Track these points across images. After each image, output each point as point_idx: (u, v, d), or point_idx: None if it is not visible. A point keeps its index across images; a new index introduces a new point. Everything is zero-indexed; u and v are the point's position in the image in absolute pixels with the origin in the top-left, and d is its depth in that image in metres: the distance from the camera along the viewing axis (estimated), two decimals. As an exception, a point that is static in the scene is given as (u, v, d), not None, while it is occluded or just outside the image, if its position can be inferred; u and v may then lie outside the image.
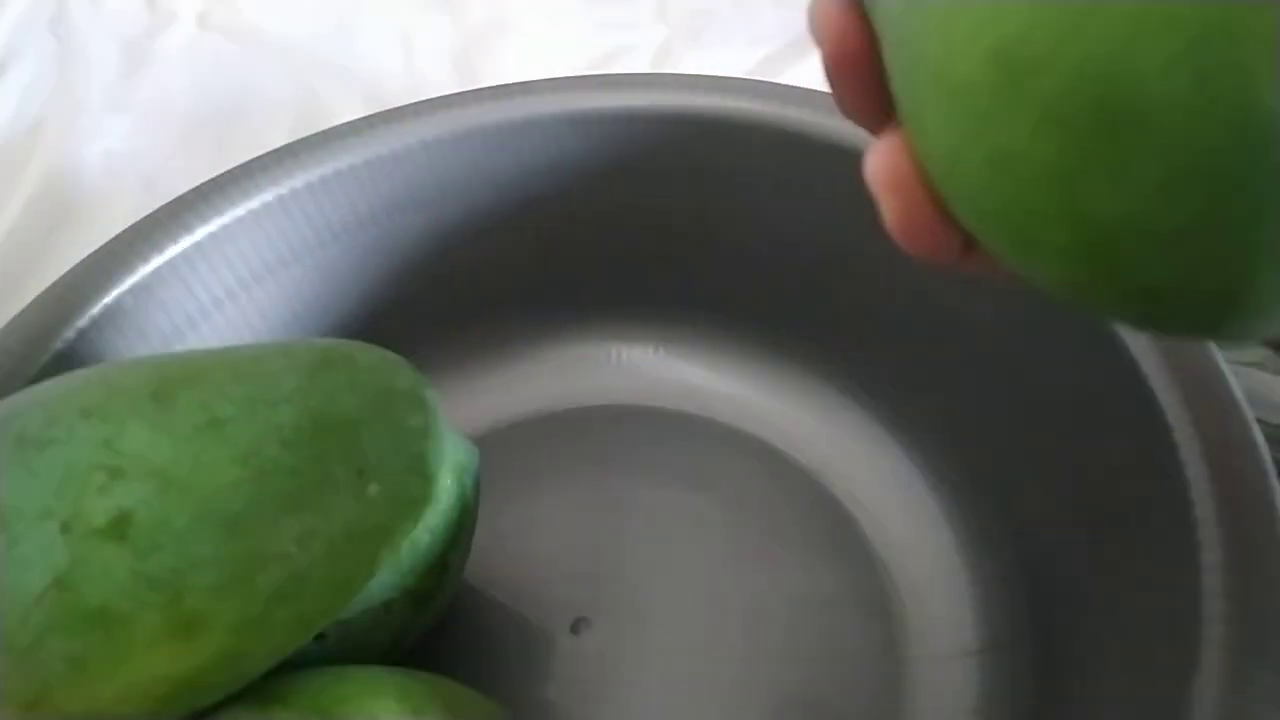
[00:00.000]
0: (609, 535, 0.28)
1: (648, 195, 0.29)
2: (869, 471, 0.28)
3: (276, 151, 0.29)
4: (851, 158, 0.27)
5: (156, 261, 0.26)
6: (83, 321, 0.25)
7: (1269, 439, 0.21)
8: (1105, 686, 0.19)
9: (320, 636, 0.21)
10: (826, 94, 0.31)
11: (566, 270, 0.31)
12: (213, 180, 0.28)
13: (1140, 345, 0.21)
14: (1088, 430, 0.22)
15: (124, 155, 0.40)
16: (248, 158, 0.28)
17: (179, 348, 0.27)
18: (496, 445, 0.29)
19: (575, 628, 0.26)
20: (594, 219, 0.30)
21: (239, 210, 0.28)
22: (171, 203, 0.28)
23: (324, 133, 0.29)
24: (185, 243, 0.27)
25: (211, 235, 0.27)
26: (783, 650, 0.25)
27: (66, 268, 0.26)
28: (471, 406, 0.30)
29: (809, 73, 0.45)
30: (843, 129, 0.27)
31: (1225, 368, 0.20)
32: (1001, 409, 0.26)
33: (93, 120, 0.42)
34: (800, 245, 0.29)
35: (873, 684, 0.24)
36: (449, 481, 0.22)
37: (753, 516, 0.28)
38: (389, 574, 0.21)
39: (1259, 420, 0.20)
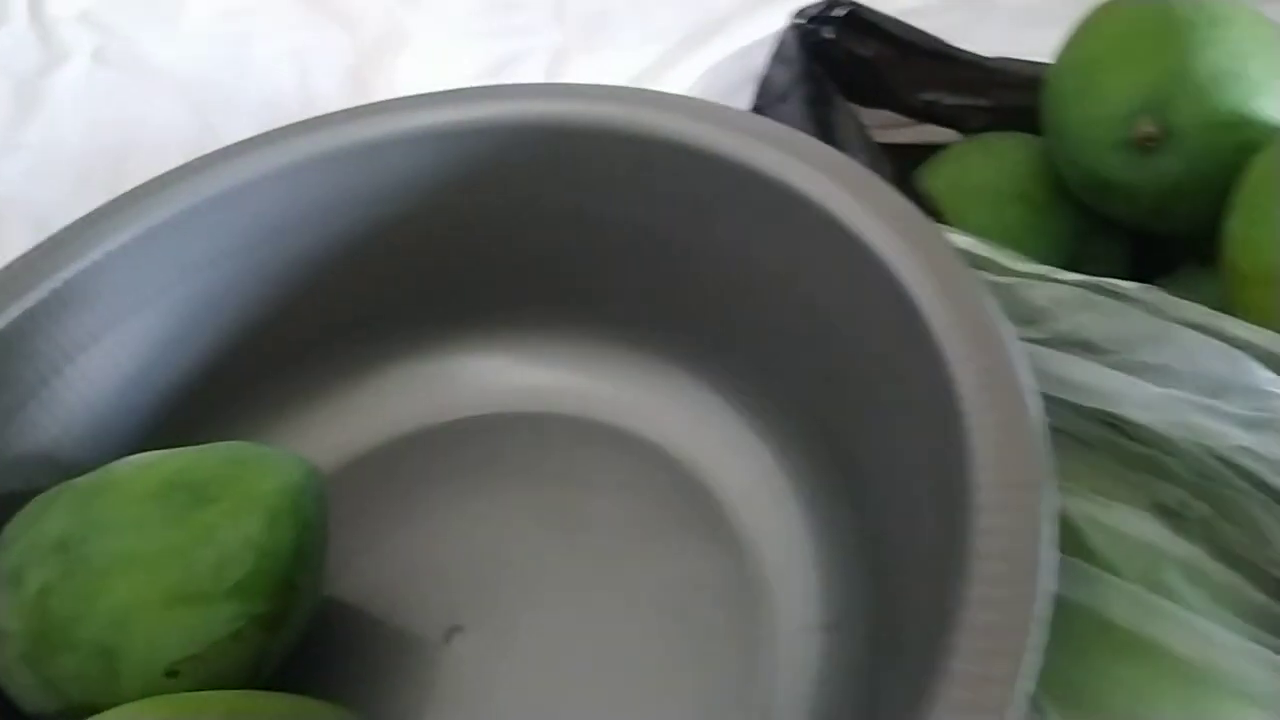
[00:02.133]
0: (481, 543, 0.28)
1: (492, 206, 0.30)
2: (732, 459, 0.29)
3: (129, 193, 0.29)
4: (696, 157, 0.28)
5: (14, 312, 0.27)
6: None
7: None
8: (918, 662, 0.20)
9: (173, 674, 0.22)
10: (675, 95, 0.31)
11: (418, 287, 0.31)
12: (71, 224, 0.29)
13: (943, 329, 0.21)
14: (900, 419, 0.23)
15: (15, 200, 0.40)
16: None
17: (45, 395, 0.28)
18: (365, 467, 0.30)
19: (448, 636, 0.27)
20: (442, 233, 0.30)
21: (98, 252, 0.28)
22: (30, 251, 0.28)
23: (175, 171, 0.30)
24: (44, 289, 0.27)
25: (68, 282, 0.28)
26: (652, 639, 0.26)
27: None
28: (336, 431, 0.30)
29: (701, 67, 0.46)
30: (685, 128, 0.28)
31: (1020, 353, 0.20)
32: (843, 399, 0.26)
33: (-16, 165, 0.42)
34: (649, 242, 0.29)
35: (734, 663, 0.25)
36: (285, 502, 0.23)
37: (621, 509, 0.29)
38: (232, 602, 0.22)
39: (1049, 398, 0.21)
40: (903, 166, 0.34)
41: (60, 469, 0.27)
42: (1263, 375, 0.19)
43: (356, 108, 0.31)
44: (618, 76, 0.46)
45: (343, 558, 0.27)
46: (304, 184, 0.30)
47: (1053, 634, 0.21)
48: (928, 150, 0.33)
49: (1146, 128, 0.25)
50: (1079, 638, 0.20)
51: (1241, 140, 0.25)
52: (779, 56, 0.31)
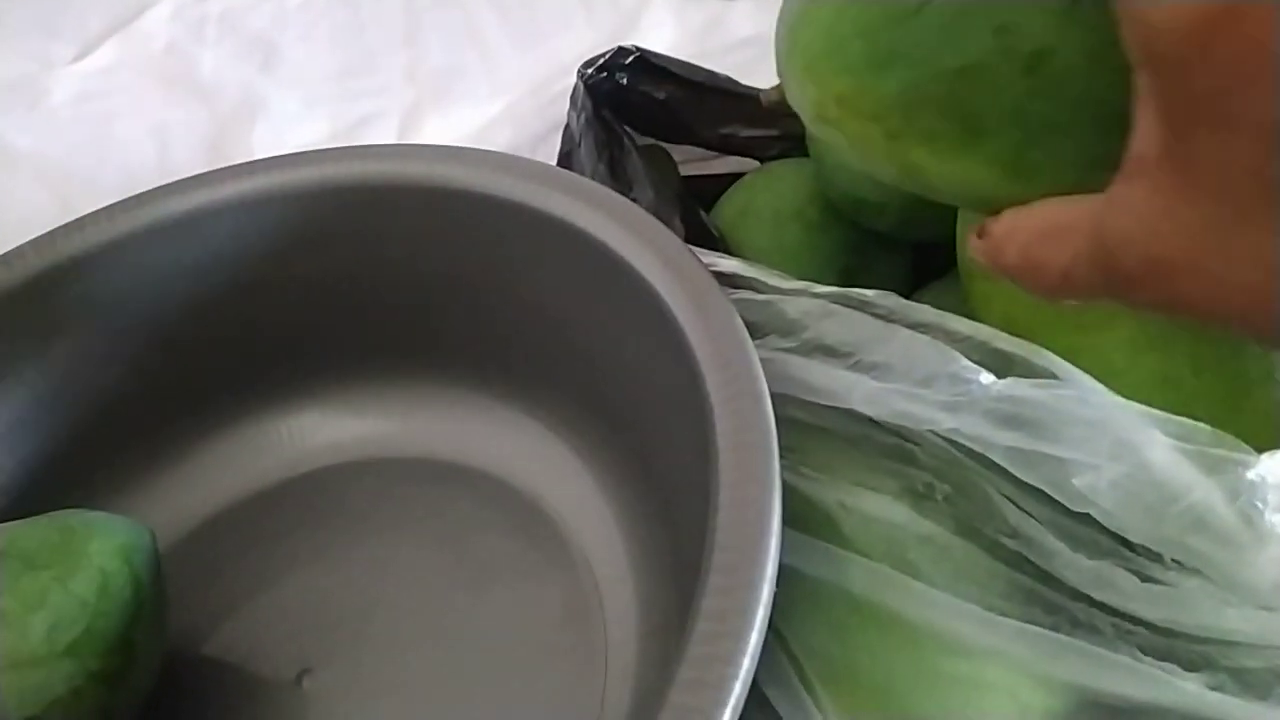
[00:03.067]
0: (330, 588, 0.30)
1: (317, 266, 0.32)
2: (560, 482, 0.31)
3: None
4: (494, 205, 0.30)
5: None
6: None
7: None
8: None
9: (15, 735, 0.23)
10: (478, 150, 0.33)
11: (257, 348, 0.33)
12: None
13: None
14: (676, 433, 0.25)
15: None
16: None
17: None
18: (216, 527, 0.32)
19: (299, 679, 0.28)
20: (275, 296, 0.32)
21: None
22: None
23: (30, 242, 0.31)
24: None
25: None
26: (500, 667, 0.28)
27: None
28: (185, 494, 0.32)
29: (549, 115, 0.48)
30: (476, 179, 0.30)
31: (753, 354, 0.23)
32: (638, 419, 0.28)
33: None
34: (465, 289, 0.31)
35: (575, 674, 0.27)
36: (115, 563, 0.25)
37: (463, 543, 0.30)
38: (67, 662, 0.24)
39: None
40: (716, 195, 0.36)
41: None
42: (964, 364, 0.22)
43: (181, 181, 0.32)
44: (467, 130, 0.49)
45: (194, 616, 0.29)
46: (138, 253, 0.31)
47: (813, 614, 0.23)
48: (731, 179, 0.35)
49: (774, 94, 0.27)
50: (836, 616, 0.23)
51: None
52: (573, 104, 0.33)
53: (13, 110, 0.51)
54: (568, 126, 0.33)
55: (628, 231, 0.27)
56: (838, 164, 0.30)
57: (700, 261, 0.25)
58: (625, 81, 0.34)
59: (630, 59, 0.34)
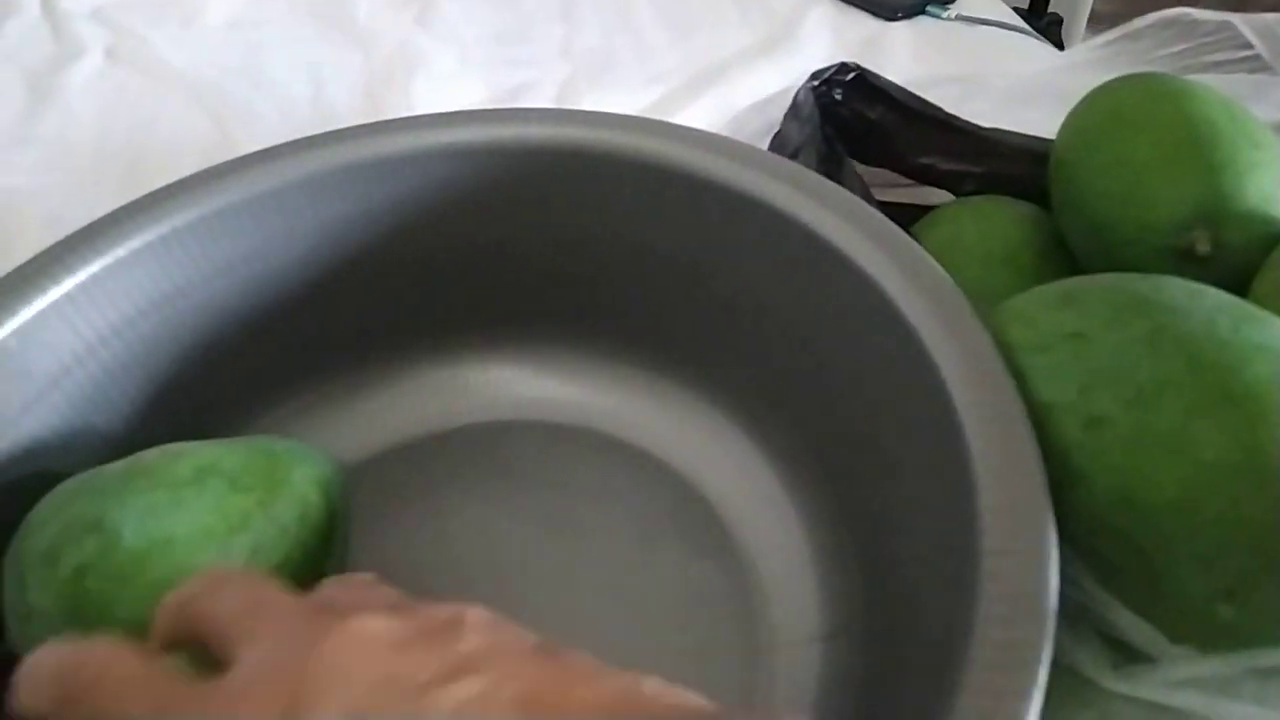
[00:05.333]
0: (487, 545, 0.29)
1: (508, 224, 0.31)
2: (733, 474, 0.30)
3: (154, 193, 0.30)
4: (709, 187, 0.30)
5: (40, 303, 0.27)
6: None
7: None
8: (926, 673, 0.21)
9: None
10: (692, 129, 0.33)
11: (431, 299, 0.32)
12: (95, 221, 0.29)
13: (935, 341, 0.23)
14: (901, 440, 0.24)
15: (27, 192, 0.41)
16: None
17: (67, 384, 0.28)
18: (378, 468, 0.31)
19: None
20: (456, 249, 0.31)
21: (120, 250, 0.29)
22: (54, 245, 0.29)
23: (201, 173, 0.30)
24: (68, 284, 0.28)
25: (93, 275, 0.28)
26: (652, 648, 0.27)
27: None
28: (349, 434, 0.31)
29: (702, 111, 0.48)
30: (701, 159, 0.29)
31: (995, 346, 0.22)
32: (843, 420, 0.28)
33: (-4, 155, 0.42)
34: (659, 265, 0.30)
35: (734, 673, 0.26)
36: (315, 494, 0.24)
37: (624, 520, 0.30)
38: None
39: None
40: (900, 224, 0.35)
41: (78, 457, 0.27)
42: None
43: (377, 123, 0.31)
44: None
45: (359, 553, 0.28)
46: (326, 194, 0.31)
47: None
48: (921, 210, 0.35)
49: (1202, 244, 0.26)
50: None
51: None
52: (794, 114, 0.33)
53: (165, 23, 0.51)
54: (782, 133, 0.33)
55: (859, 230, 0.26)
56: (1128, 239, 0.27)
57: (945, 274, 0.24)
58: (839, 97, 0.33)
59: (851, 75, 0.33)
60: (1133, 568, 0.20)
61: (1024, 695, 0.17)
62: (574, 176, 0.30)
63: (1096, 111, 0.30)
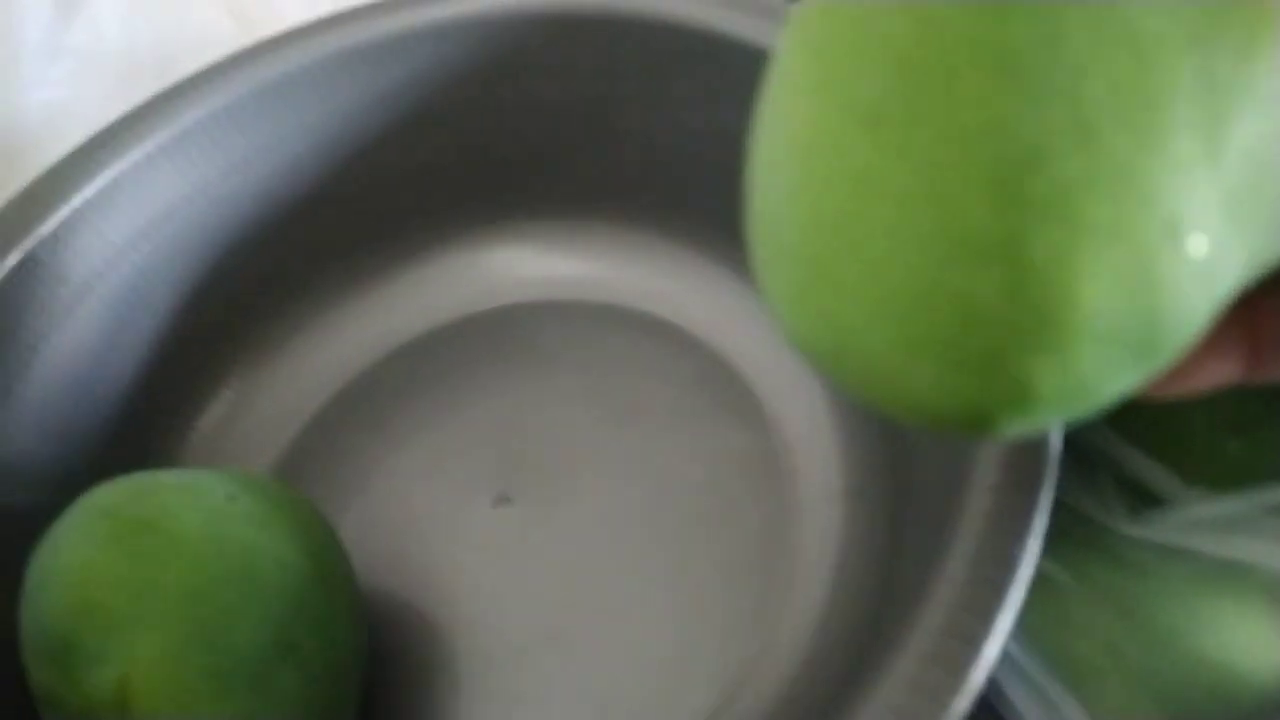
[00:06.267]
0: (519, 421, 0.30)
1: (519, 96, 0.30)
2: (755, 338, 0.29)
3: (164, 93, 0.30)
4: (723, 46, 0.28)
5: (64, 210, 0.28)
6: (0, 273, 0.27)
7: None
8: (921, 528, 0.21)
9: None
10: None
11: (445, 181, 0.32)
12: (111, 125, 0.30)
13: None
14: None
15: (62, 103, 0.41)
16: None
17: (100, 289, 0.29)
18: (408, 354, 0.32)
19: (496, 504, 0.28)
20: (470, 125, 0.31)
21: (139, 153, 0.29)
22: (73, 151, 0.29)
23: (213, 66, 0.30)
24: (89, 190, 0.28)
25: (114, 179, 0.29)
26: (683, 509, 0.27)
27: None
28: (378, 320, 0.32)
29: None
30: (703, 13, 0.28)
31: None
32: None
33: (29, 68, 0.43)
34: (665, 128, 0.29)
35: (761, 529, 0.26)
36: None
37: (651, 390, 0.30)
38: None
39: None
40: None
41: (117, 361, 0.29)
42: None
43: (380, 2, 0.31)
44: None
45: (396, 433, 0.30)
46: (332, 81, 0.30)
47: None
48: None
49: None
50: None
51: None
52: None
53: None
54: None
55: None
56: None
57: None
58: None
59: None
60: (1137, 404, 0.19)
61: (1019, 537, 0.16)
62: (573, 41, 0.29)
63: None
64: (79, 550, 0.20)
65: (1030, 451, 0.17)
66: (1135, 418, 0.19)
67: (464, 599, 0.27)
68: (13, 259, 0.27)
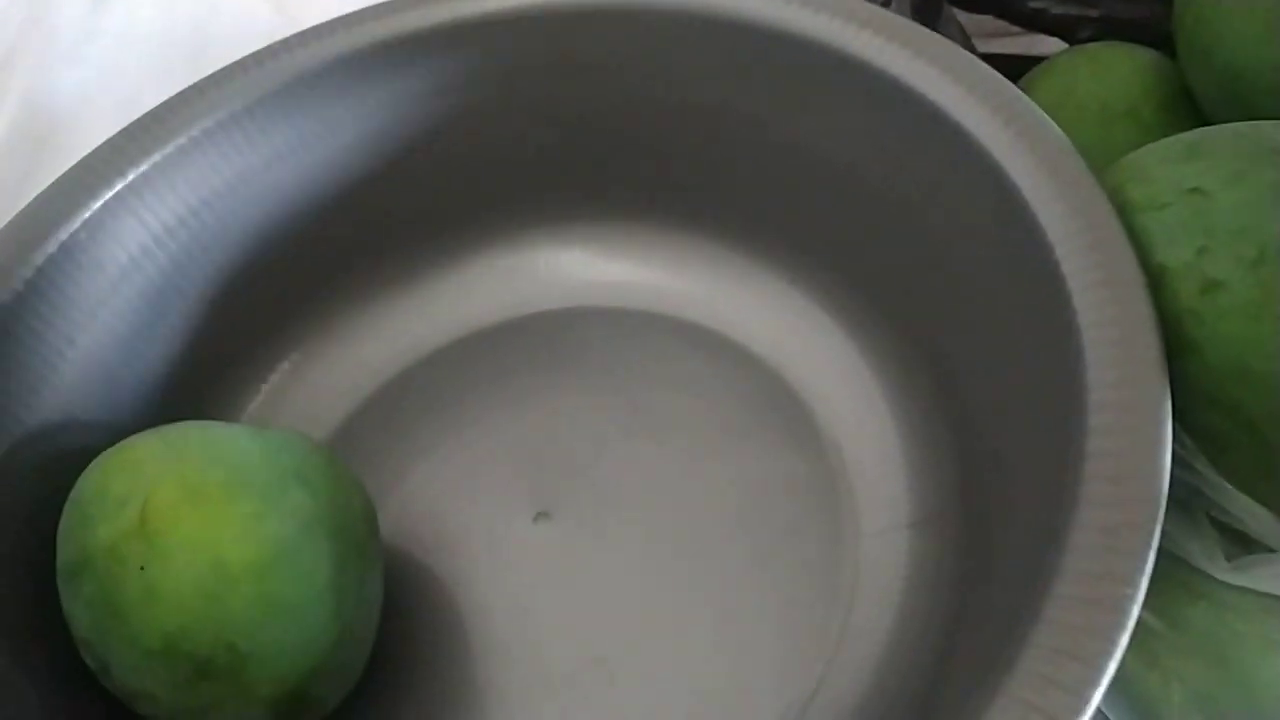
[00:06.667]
0: (566, 433, 0.28)
1: (571, 95, 0.29)
2: (815, 357, 0.28)
3: (209, 78, 0.29)
4: (781, 39, 0.27)
5: (105, 194, 0.27)
6: (39, 259, 0.26)
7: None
8: (1020, 559, 0.20)
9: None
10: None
11: (494, 179, 0.31)
12: (152, 110, 0.29)
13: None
14: (1000, 315, 0.22)
15: (98, 83, 0.40)
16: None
17: (137, 278, 0.28)
18: (450, 357, 0.31)
19: (536, 520, 0.27)
20: (516, 124, 0.30)
21: (180, 138, 0.28)
22: (115, 135, 0.28)
23: (257, 53, 0.29)
24: (130, 175, 0.27)
25: (155, 165, 0.28)
26: (735, 534, 0.26)
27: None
28: (419, 323, 0.30)
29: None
30: (779, 13, 0.27)
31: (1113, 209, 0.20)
32: (935, 294, 0.25)
33: (65, 49, 0.42)
34: (734, 134, 0.28)
35: (818, 559, 0.25)
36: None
37: (703, 405, 0.28)
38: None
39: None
40: (1009, 78, 0.32)
41: (154, 348, 0.28)
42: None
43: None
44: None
45: (431, 439, 0.29)
46: (382, 70, 0.30)
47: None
48: (1030, 62, 0.31)
49: None
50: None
51: None
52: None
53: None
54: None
55: (959, 83, 0.23)
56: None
57: (1058, 131, 0.22)
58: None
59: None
60: (1243, 444, 0.18)
61: (1128, 581, 0.16)
62: (637, 38, 0.28)
63: None
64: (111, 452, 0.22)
65: (1139, 485, 0.17)
66: (1238, 452, 0.18)
67: (502, 620, 0.25)
68: (50, 246, 0.26)
